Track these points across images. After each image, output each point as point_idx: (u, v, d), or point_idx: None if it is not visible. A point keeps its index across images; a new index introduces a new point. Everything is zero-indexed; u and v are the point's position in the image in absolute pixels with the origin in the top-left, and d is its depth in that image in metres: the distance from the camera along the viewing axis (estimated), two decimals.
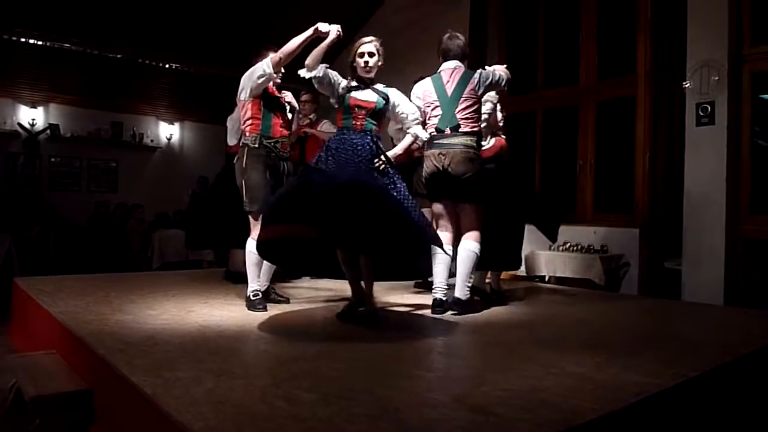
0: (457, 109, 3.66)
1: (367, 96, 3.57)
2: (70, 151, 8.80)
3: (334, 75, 3.61)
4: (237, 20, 7.81)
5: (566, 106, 6.57)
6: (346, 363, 2.54)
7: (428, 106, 3.78)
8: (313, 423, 1.82)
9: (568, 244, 5.95)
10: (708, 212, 5.14)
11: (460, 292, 3.69)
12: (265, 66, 3.63)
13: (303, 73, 3.56)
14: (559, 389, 2.18)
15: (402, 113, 3.71)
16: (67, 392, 2.53)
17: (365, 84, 3.60)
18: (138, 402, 2.09)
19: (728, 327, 3.71)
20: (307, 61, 3.53)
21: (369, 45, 3.58)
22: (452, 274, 3.77)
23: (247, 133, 3.73)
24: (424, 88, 3.83)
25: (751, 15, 5.11)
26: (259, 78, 3.64)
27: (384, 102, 3.61)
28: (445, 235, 3.73)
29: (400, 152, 3.74)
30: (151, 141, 9.46)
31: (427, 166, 3.73)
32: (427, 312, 3.84)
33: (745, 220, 5.12)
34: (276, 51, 3.71)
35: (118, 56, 7.33)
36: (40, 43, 6.74)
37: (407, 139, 3.75)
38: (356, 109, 3.53)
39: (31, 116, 8.42)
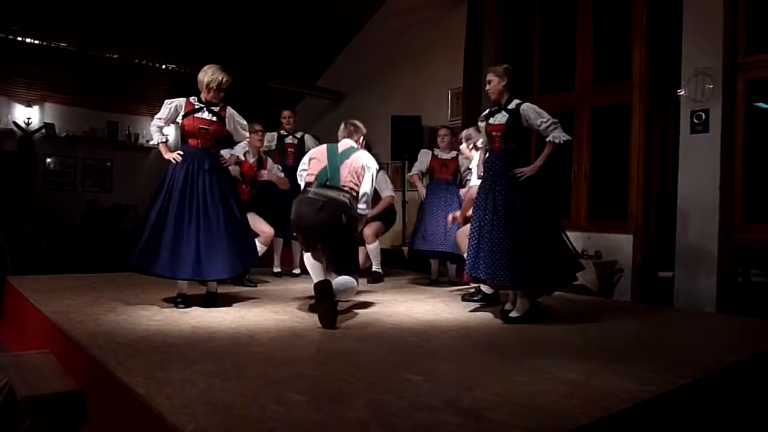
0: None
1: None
2: (65, 150, 8.77)
3: None
4: (234, 21, 7.81)
5: (562, 111, 6.59)
6: (338, 366, 2.55)
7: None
8: (305, 426, 1.82)
9: None
10: (701, 219, 5.16)
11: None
12: None
13: None
14: (550, 395, 2.19)
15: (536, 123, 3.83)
16: (59, 392, 2.53)
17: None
18: (130, 402, 2.08)
19: (720, 334, 3.73)
20: None
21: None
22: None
23: None
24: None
25: (746, 24, 5.15)
26: None
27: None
28: None
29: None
30: (147, 141, 9.43)
31: None
32: (420, 315, 3.85)
33: (739, 228, 5.15)
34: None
35: (115, 56, 7.31)
36: (36, 42, 6.72)
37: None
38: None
39: (26, 115, 8.39)
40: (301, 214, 3.78)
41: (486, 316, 3.95)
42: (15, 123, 8.32)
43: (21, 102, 8.37)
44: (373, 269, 5.60)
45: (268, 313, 3.74)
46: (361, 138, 4.19)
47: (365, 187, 3.94)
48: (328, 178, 3.81)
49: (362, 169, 3.93)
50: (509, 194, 3.72)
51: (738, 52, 5.18)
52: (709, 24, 5.18)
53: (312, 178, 3.85)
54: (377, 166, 4.12)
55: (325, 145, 4.06)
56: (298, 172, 4.13)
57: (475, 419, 1.91)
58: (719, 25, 5.13)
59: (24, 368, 2.81)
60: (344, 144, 4.05)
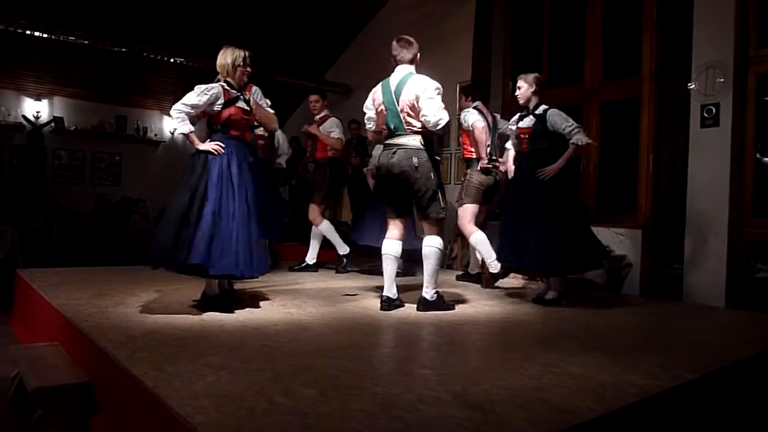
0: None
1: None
2: (74, 144, 8.83)
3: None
4: (242, 15, 7.81)
5: (570, 105, 6.55)
6: (345, 359, 2.55)
7: None
8: (312, 418, 1.83)
9: None
10: (711, 214, 5.13)
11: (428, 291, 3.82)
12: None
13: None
14: (558, 389, 2.19)
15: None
16: (69, 384, 2.55)
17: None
18: (139, 394, 2.10)
19: (729, 329, 3.71)
20: None
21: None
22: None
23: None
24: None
25: (758, 17, 5.09)
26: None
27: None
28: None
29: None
30: (155, 135, 9.49)
31: None
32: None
33: (748, 223, 5.11)
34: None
35: (123, 50, 7.34)
36: (45, 35, 6.76)
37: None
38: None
39: (35, 109, 8.45)
40: (380, 163, 3.71)
41: (493, 310, 3.94)
42: (24, 117, 8.37)
43: (30, 96, 8.43)
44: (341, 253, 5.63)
45: (276, 306, 3.76)
46: (416, 54, 3.75)
47: (428, 114, 3.55)
48: (394, 126, 3.65)
49: (416, 100, 3.57)
50: (539, 190, 4.05)
51: (749, 45, 5.12)
52: (720, 17, 5.13)
53: (384, 128, 3.73)
54: (436, 85, 3.60)
55: (379, 86, 3.75)
56: (365, 119, 3.93)
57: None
58: (730, 18, 5.08)
59: (34, 360, 2.84)
60: (397, 75, 3.70)
